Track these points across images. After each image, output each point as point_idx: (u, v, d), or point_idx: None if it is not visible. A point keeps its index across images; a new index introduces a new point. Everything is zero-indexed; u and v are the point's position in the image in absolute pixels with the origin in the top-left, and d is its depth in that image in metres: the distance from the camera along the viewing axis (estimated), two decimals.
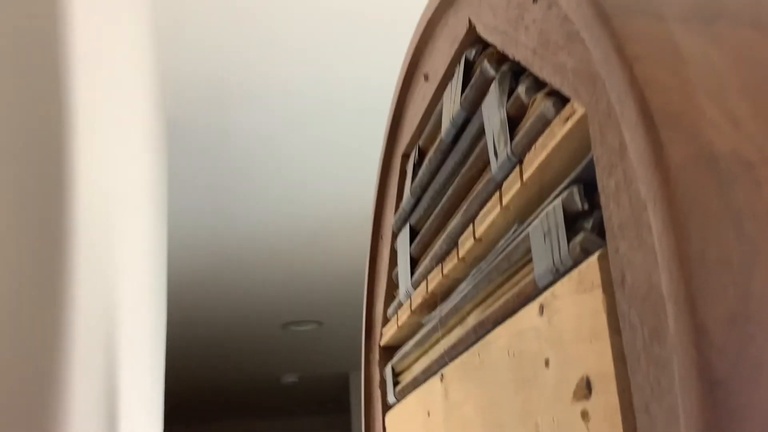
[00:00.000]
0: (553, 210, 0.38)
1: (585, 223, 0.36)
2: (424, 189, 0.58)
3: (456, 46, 0.51)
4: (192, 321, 3.44)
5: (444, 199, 0.53)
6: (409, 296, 0.61)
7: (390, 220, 0.68)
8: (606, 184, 0.33)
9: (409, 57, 0.60)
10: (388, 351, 0.68)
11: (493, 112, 0.45)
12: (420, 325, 0.61)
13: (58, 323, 0.54)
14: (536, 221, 0.39)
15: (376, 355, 0.70)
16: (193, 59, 1.65)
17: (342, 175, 2.22)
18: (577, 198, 0.36)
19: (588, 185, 0.37)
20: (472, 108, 0.48)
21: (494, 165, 0.44)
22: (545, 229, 0.38)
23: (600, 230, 0.35)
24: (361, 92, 1.80)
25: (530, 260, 0.41)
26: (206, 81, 1.74)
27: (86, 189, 0.65)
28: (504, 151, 0.43)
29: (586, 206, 0.36)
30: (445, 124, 0.52)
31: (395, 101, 0.63)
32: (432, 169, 0.56)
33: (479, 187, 0.47)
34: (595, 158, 0.34)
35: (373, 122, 1.95)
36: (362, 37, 1.59)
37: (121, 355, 0.93)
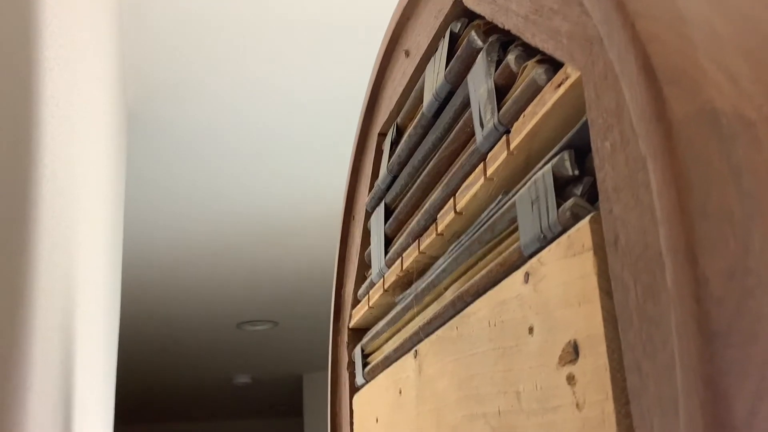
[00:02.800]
0: (542, 176, 0.37)
1: (575, 190, 0.36)
2: (402, 165, 0.57)
3: (441, 19, 0.50)
4: (145, 318, 3.38)
5: (423, 175, 0.53)
6: (382, 275, 0.60)
7: (363, 200, 0.67)
8: (601, 147, 0.33)
9: (390, 33, 0.59)
10: (358, 333, 0.68)
11: (479, 83, 0.44)
12: (393, 305, 0.60)
13: (16, 319, 0.52)
14: (523, 189, 0.39)
15: (344, 337, 0.69)
16: (155, 53, 1.62)
17: (302, 174, 2.21)
18: (567, 164, 0.36)
19: (578, 152, 0.36)
20: (456, 80, 0.48)
21: (479, 136, 0.44)
22: (533, 197, 0.38)
23: (590, 196, 0.35)
24: (326, 90, 1.79)
25: (515, 230, 0.41)
26: (168, 76, 1.71)
27: (46, 182, 0.63)
28: (491, 120, 0.42)
29: (576, 172, 0.36)
30: (427, 98, 0.51)
31: (373, 79, 0.63)
32: (411, 144, 0.55)
33: (462, 159, 0.47)
34: (589, 121, 0.34)
35: (336, 121, 1.93)
36: (328, 35, 1.58)
37: (77, 353, 0.91)
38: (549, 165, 0.37)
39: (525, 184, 0.40)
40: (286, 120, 1.92)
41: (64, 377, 0.78)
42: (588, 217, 0.33)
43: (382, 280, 0.60)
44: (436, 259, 0.53)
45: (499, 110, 0.42)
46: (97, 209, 1.15)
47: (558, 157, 0.36)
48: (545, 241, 0.37)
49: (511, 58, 0.41)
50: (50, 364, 0.67)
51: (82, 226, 0.96)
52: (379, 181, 0.61)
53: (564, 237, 0.35)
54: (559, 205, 0.36)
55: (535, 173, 0.39)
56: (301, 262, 2.90)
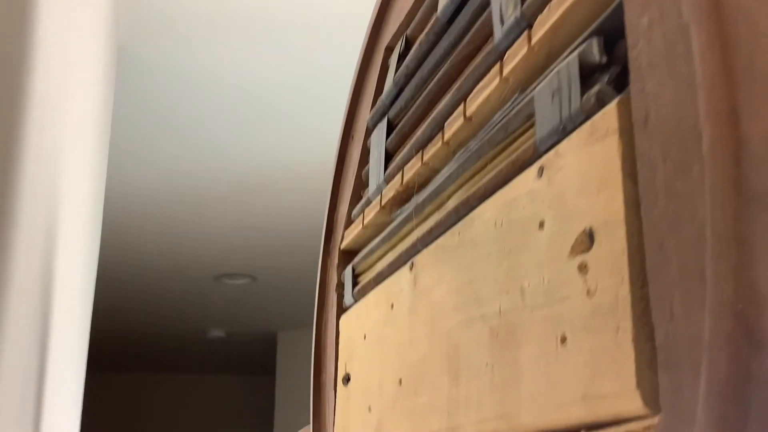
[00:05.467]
0: (566, 66, 0.36)
1: (601, 78, 0.34)
2: (409, 77, 0.55)
3: None
4: (121, 264, 3.35)
5: (432, 83, 0.51)
6: (380, 192, 0.58)
7: (364, 119, 0.65)
8: (637, 23, 0.31)
9: None
10: (349, 255, 0.66)
11: None
12: (389, 224, 0.59)
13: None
14: (543, 82, 0.38)
15: (334, 259, 0.67)
16: None
17: (290, 127, 2.18)
18: (596, 50, 0.34)
19: (605, 41, 0.35)
20: None
21: (498, 33, 0.42)
22: (554, 88, 0.36)
23: (616, 85, 0.34)
24: (331, 35, 1.75)
25: (530, 127, 0.39)
26: (161, 10, 1.67)
27: (34, 114, 0.61)
28: (513, 14, 0.41)
29: (604, 59, 0.34)
30: (443, 1, 0.49)
31: None
32: (421, 54, 0.53)
33: (476, 61, 0.45)
34: (624, 1, 0.32)
35: (330, 76, 1.90)
36: None
37: (54, 296, 0.89)
38: (575, 53, 0.35)
39: (545, 78, 0.38)
40: (281, 70, 1.88)
41: (39, 322, 0.76)
42: (615, 100, 0.32)
43: (379, 196, 0.58)
44: (439, 171, 0.51)
45: (522, 2, 0.40)
46: (84, 144, 1.13)
47: (585, 43, 0.35)
48: (564, 132, 0.35)
49: None
50: (26, 308, 0.66)
51: (70, 158, 0.93)
52: (383, 96, 0.59)
53: (586, 124, 0.34)
54: (582, 94, 0.34)
55: (554, 68, 0.38)
56: (286, 218, 2.87)
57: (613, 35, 0.34)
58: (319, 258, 0.70)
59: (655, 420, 0.28)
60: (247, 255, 3.30)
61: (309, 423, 0.71)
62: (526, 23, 0.40)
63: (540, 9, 0.39)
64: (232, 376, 5.54)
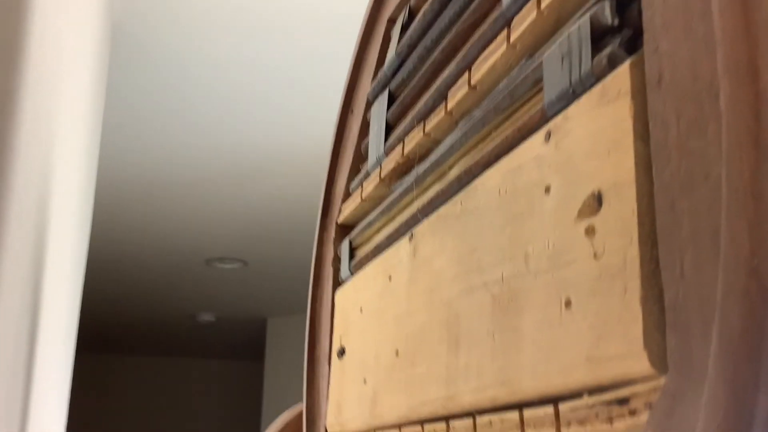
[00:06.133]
0: (577, 28, 0.35)
1: (612, 41, 0.34)
2: (412, 48, 0.55)
3: None
4: (112, 245, 3.33)
5: (436, 53, 0.50)
6: (379, 164, 0.58)
7: (365, 93, 0.65)
8: None
9: None
10: (346, 230, 0.66)
11: None
12: (388, 196, 0.58)
13: None
14: (553, 46, 0.37)
15: (331, 234, 0.67)
16: None
17: (287, 111, 2.16)
18: (608, 11, 0.34)
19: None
20: None
21: None
22: (564, 51, 0.36)
23: (627, 47, 0.33)
24: (323, 20, 1.74)
25: (537, 93, 0.39)
26: None
27: (28, 90, 0.59)
28: None
29: (616, 21, 0.34)
30: None
31: None
32: (425, 23, 0.53)
33: (483, 28, 0.44)
34: None
35: (324, 60, 1.89)
36: None
37: (46, 274, 0.88)
38: (587, 15, 0.35)
39: (554, 43, 0.38)
40: (276, 55, 1.87)
41: (30, 302, 0.75)
42: (627, 61, 0.31)
43: (378, 169, 0.58)
44: (441, 142, 0.50)
45: None
46: (77, 122, 1.11)
47: (597, 6, 0.34)
48: (574, 96, 0.35)
49: None
50: (16, 288, 0.65)
51: (64, 135, 0.92)
52: (385, 67, 0.59)
53: (597, 87, 0.33)
54: (593, 57, 0.34)
55: (566, 30, 0.37)
56: (280, 204, 2.86)
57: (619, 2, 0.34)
58: (315, 234, 0.70)
59: (661, 381, 0.27)
60: (239, 239, 3.28)
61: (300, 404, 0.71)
62: None
63: None
64: (221, 361, 5.53)
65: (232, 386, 5.42)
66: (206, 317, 4.58)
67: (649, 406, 0.28)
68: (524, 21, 0.40)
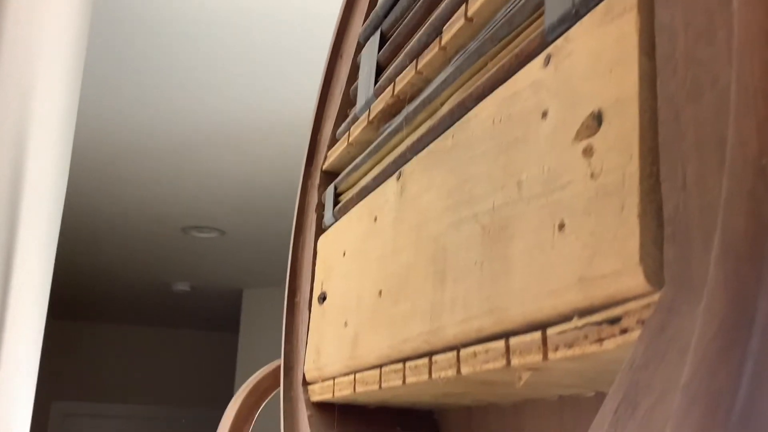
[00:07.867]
0: None
1: None
2: None
3: None
4: (87, 209, 3.28)
5: None
6: (368, 106, 0.57)
7: (354, 37, 0.63)
8: None
9: None
10: (331, 177, 0.64)
11: None
12: (376, 140, 0.57)
13: None
14: None
15: (316, 180, 0.66)
16: None
17: (268, 81, 2.13)
18: None
19: None
20: None
21: None
22: None
23: None
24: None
25: (537, 19, 0.38)
26: None
27: (4, 41, 0.57)
28: None
29: None
30: None
31: None
32: None
33: None
34: None
35: (305, 29, 1.86)
36: None
37: (19, 237, 0.85)
38: None
39: None
40: (257, 22, 1.84)
41: (2, 265, 0.73)
42: None
43: (367, 111, 0.56)
44: (433, 80, 0.49)
45: None
46: (55, 82, 1.08)
47: None
48: (577, 17, 0.34)
49: None
50: None
51: (39, 85, 0.90)
52: (376, 8, 0.57)
53: (601, 5, 0.32)
54: None
55: None
56: (259, 174, 2.83)
57: None
58: (299, 183, 0.68)
59: (656, 297, 0.27)
60: (217, 208, 3.25)
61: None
62: None
63: None
64: (195, 331, 5.51)
65: (205, 357, 5.41)
66: (182, 287, 4.55)
67: (642, 323, 0.27)
68: None
